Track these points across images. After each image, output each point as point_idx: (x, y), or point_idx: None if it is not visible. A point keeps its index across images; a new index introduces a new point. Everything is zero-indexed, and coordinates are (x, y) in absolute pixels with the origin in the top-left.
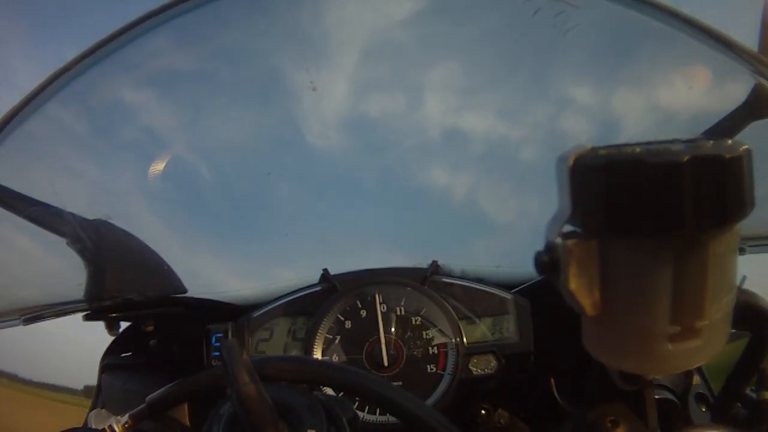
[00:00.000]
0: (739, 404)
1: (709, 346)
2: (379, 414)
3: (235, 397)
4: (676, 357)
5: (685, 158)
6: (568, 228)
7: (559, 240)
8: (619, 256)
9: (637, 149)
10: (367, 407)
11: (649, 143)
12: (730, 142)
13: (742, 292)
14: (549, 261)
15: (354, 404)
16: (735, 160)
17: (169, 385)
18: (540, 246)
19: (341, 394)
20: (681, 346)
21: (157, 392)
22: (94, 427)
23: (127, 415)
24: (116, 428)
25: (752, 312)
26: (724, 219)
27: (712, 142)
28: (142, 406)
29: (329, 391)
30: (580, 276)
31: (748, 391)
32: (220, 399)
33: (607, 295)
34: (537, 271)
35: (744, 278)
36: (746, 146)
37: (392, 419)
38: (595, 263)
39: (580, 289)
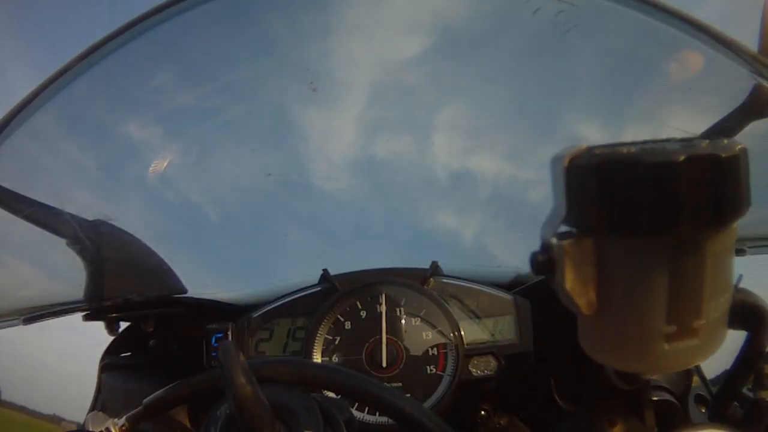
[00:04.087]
0: (736, 403)
1: (706, 346)
2: (376, 415)
3: (231, 398)
4: (673, 356)
5: (681, 158)
6: (563, 228)
7: (554, 240)
8: (614, 255)
9: (633, 149)
10: (365, 408)
11: (644, 143)
12: (726, 141)
13: (739, 290)
14: (545, 261)
15: (351, 406)
16: (731, 159)
17: (166, 387)
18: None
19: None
20: (678, 345)
21: (154, 394)
22: (91, 429)
23: (124, 418)
24: (113, 430)
25: (749, 311)
26: (720, 218)
27: (707, 141)
28: (138, 408)
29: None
30: (575, 276)
31: (745, 390)
32: (218, 400)
33: (603, 295)
34: (533, 271)
35: (741, 277)
36: (742, 145)
37: (388, 421)
38: (590, 263)
39: (576, 289)
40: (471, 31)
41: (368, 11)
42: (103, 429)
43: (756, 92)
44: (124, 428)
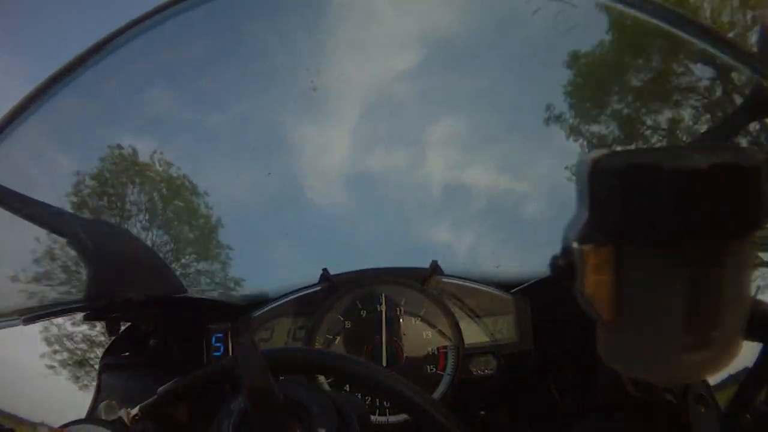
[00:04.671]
0: (748, 416)
1: (722, 357)
2: (389, 414)
3: (246, 393)
4: (689, 367)
5: (705, 165)
6: (585, 232)
7: (575, 244)
8: (634, 262)
9: (656, 154)
10: (377, 409)
11: (669, 148)
12: (749, 150)
13: (755, 301)
14: (565, 265)
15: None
16: (755, 169)
17: (180, 377)
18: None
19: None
20: (695, 355)
21: (167, 384)
22: (104, 418)
23: (137, 407)
24: (126, 420)
25: (765, 322)
26: (742, 228)
27: (732, 149)
28: (153, 397)
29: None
30: (595, 281)
31: (758, 402)
32: (222, 398)
33: (622, 302)
34: (553, 274)
35: (759, 288)
36: (766, 155)
37: (400, 418)
38: (611, 269)
39: (596, 295)
40: (463, 45)
41: (361, 28)
42: (115, 418)
43: (756, 92)
44: (136, 417)
